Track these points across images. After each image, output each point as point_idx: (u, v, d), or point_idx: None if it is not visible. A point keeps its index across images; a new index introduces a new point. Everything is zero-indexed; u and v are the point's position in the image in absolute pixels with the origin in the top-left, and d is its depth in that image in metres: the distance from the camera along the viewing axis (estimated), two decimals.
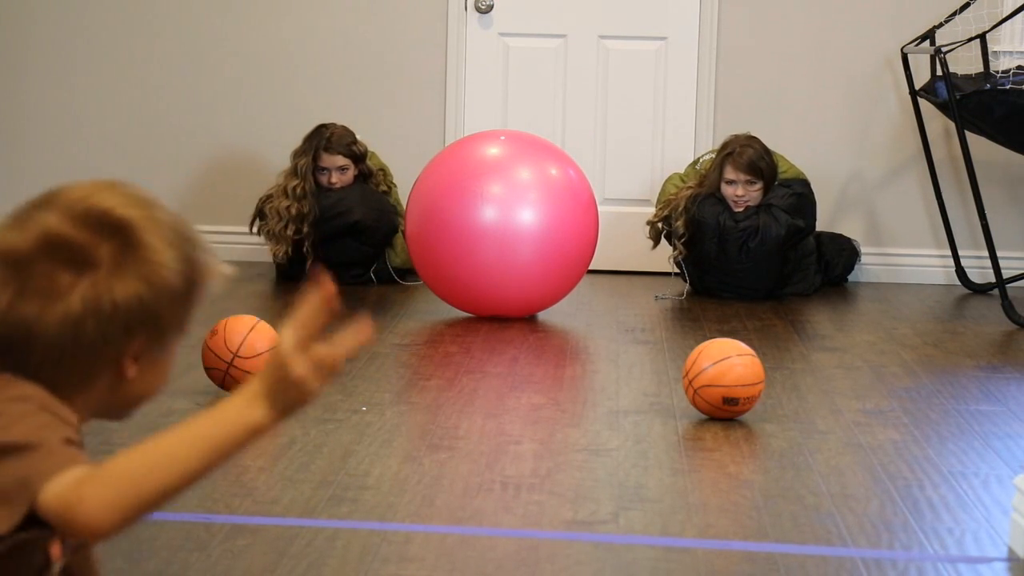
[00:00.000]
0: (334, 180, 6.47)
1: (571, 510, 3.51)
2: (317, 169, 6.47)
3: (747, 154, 6.17)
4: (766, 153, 6.24)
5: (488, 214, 5.63)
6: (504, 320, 5.79)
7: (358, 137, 6.60)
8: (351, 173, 6.51)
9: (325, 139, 6.45)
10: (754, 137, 6.31)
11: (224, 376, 4.46)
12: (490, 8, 7.03)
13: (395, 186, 6.65)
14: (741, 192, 6.19)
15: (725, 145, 6.31)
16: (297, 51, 7.08)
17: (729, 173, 6.20)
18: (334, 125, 6.53)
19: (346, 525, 3.35)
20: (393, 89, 7.08)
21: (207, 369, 4.49)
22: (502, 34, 7.06)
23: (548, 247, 5.67)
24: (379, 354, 5.21)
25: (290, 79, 7.10)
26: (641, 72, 7.04)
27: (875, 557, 3.25)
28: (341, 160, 6.47)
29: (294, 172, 6.45)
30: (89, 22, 7.12)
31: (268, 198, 6.53)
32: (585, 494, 3.63)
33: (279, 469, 3.79)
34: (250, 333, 4.47)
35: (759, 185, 6.21)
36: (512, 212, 5.64)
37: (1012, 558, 3.26)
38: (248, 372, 4.44)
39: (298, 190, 6.39)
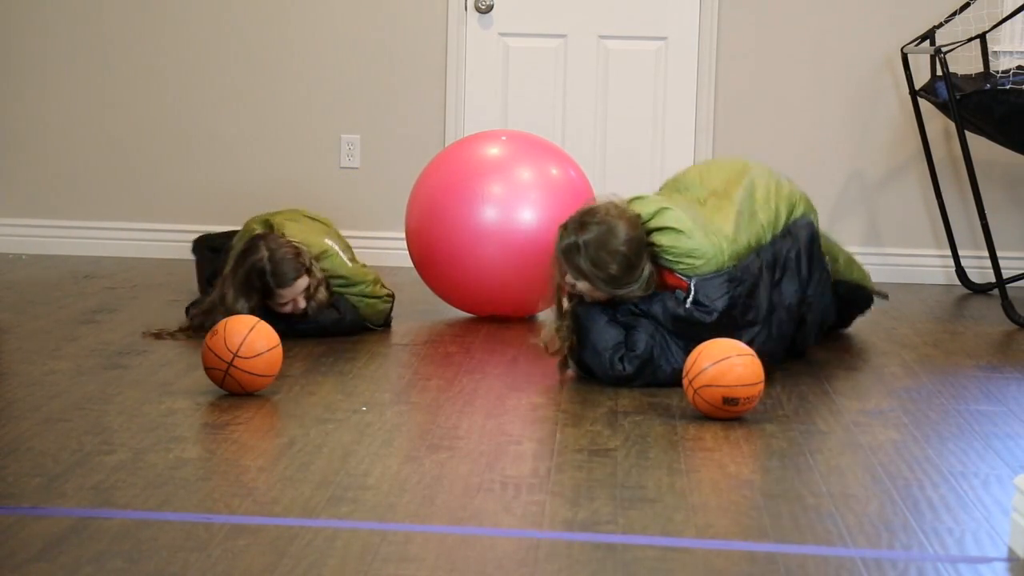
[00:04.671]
0: (301, 305, 5.29)
1: (571, 510, 3.51)
2: (276, 306, 5.27)
3: (564, 244, 4.79)
4: (596, 251, 4.71)
5: (488, 214, 5.63)
6: (504, 320, 5.79)
7: (281, 227, 5.46)
8: (312, 287, 5.32)
9: (271, 275, 5.21)
10: (599, 217, 4.77)
11: (224, 376, 4.46)
12: (490, 8, 7.03)
13: (328, 257, 5.46)
14: (569, 280, 4.82)
15: (575, 213, 4.89)
16: (298, 51, 7.08)
17: (559, 260, 4.85)
18: (263, 247, 5.26)
19: (346, 525, 3.35)
20: (393, 89, 7.08)
21: (207, 369, 4.49)
22: (502, 34, 7.06)
23: (548, 247, 5.66)
24: (379, 354, 5.21)
25: (291, 79, 7.10)
26: (641, 72, 7.05)
27: (875, 557, 3.25)
28: (301, 284, 5.26)
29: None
30: (93, 27, 7.12)
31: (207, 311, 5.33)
32: (585, 494, 3.63)
33: (279, 469, 3.79)
34: (250, 333, 4.47)
35: (585, 283, 4.77)
36: (512, 212, 5.64)
37: (1012, 558, 3.26)
38: (248, 372, 4.44)
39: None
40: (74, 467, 3.72)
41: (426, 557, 3.18)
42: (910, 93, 6.66)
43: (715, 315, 4.74)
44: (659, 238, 4.79)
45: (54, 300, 6.01)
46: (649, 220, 4.81)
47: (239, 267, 5.27)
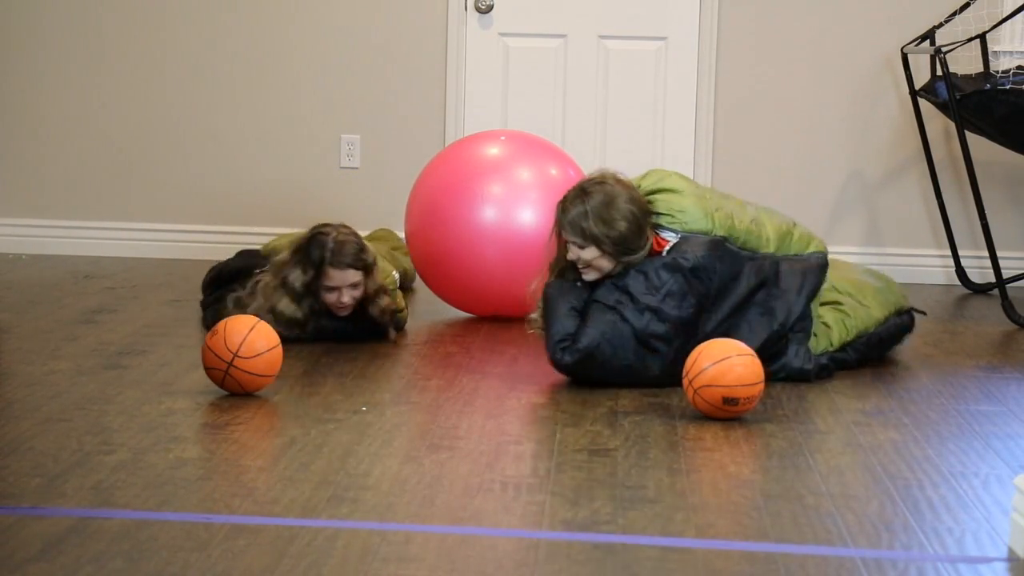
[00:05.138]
0: (345, 300, 5.19)
1: (571, 510, 3.51)
2: (322, 288, 5.20)
3: (571, 212, 4.76)
4: (604, 209, 4.73)
5: (488, 214, 5.63)
6: (504, 320, 5.79)
7: (363, 239, 5.35)
8: (361, 289, 5.23)
9: (329, 250, 5.16)
10: (599, 183, 4.81)
11: (224, 376, 4.45)
12: (490, 8, 7.03)
13: (392, 278, 5.47)
14: (575, 256, 4.79)
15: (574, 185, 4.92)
16: (298, 51, 7.08)
17: (561, 229, 4.84)
18: (335, 229, 5.23)
19: (346, 525, 3.35)
20: (393, 89, 7.08)
21: (207, 369, 4.49)
22: (502, 34, 7.06)
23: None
24: (379, 354, 5.21)
25: (291, 79, 7.10)
26: (641, 72, 7.05)
27: (875, 557, 3.25)
28: (353, 275, 5.19)
29: (292, 295, 5.19)
30: (92, 27, 7.12)
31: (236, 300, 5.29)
32: (585, 494, 3.63)
33: (279, 469, 3.79)
34: (250, 333, 4.47)
35: (593, 249, 4.75)
36: (512, 212, 5.64)
37: (1012, 558, 3.26)
38: (248, 372, 4.44)
39: (300, 315, 5.21)
40: (74, 467, 3.72)
41: (426, 557, 3.18)
42: (910, 93, 6.66)
43: (693, 262, 4.73)
44: (654, 197, 4.86)
45: (54, 300, 6.02)
46: (649, 185, 4.89)
47: (303, 238, 5.21)
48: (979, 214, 6.20)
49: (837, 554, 3.26)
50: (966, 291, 6.87)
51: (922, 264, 7.06)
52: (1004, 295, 6.13)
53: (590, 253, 4.76)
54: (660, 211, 4.84)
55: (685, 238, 4.80)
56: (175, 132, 7.15)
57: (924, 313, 5.56)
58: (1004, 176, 6.94)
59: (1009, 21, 6.58)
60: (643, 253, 4.78)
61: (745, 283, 4.85)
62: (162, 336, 5.36)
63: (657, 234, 4.85)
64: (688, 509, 3.54)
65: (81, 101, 7.15)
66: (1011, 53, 6.81)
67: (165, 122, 7.14)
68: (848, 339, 5.04)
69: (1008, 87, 6.10)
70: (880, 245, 7.05)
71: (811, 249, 5.05)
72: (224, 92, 7.12)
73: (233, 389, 4.48)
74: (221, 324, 4.52)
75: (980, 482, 3.83)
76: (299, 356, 5.05)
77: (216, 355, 4.44)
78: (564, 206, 4.81)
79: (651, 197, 4.87)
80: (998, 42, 6.79)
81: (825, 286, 5.05)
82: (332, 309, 5.25)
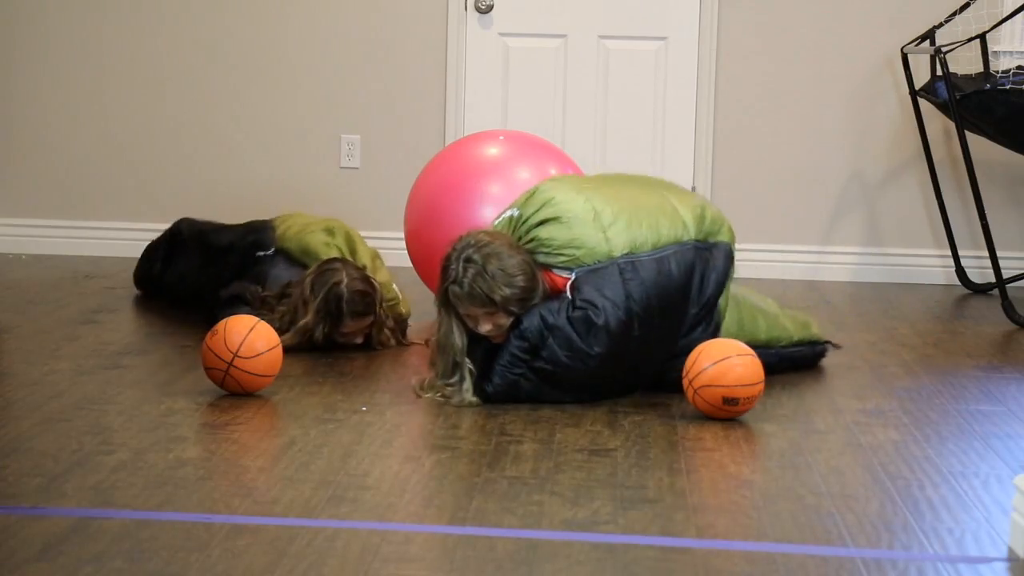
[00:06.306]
0: (357, 340, 5.26)
1: (571, 510, 3.51)
2: (336, 332, 5.21)
3: (467, 286, 4.42)
4: (501, 271, 4.41)
5: (488, 214, 5.62)
6: None
7: (367, 265, 5.40)
8: (369, 326, 5.29)
9: (346, 302, 5.15)
10: (477, 247, 4.47)
11: (224, 376, 4.46)
12: (490, 8, 7.03)
13: (393, 291, 5.48)
14: (488, 327, 4.47)
15: (447, 259, 4.53)
16: (297, 51, 7.08)
17: (460, 308, 4.49)
18: (343, 273, 5.20)
19: (346, 525, 3.35)
20: (393, 89, 7.08)
21: (207, 369, 4.49)
22: (502, 34, 7.06)
23: None
24: (379, 354, 5.20)
25: (291, 79, 7.09)
26: (641, 72, 7.05)
27: (875, 557, 3.25)
28: (367, 320, 5.24)
29: (318, 342, 5.18)
30: (93, 27, 7.12)
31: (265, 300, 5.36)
32: (585, 494, 3.63)
33: (279, 469, 3.79)
34: (250, 333, 4.47)
35: (503, 314, 4.44)
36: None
37: (1012, 558, 3.26)
38: (248, 372, 4.44)
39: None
40: (74, 467, 3.72)
41: (426, 557, 3.18)
42: (910, 93, 6.66)
43: (606, 313, 4.42)
44: (538, 232, 4.54)
45: (54, 300, 6.01)
46: (532, 216, 4.59)
47: (316, 288, 5.15)
48: (979, 214, 6.20)
49: (837, 554, 3.26)
50: (966, 291, 6.87)
51: (922, 264, 7.06)
52: (1004, 295, 6.13)
53: (502, 318, 4.45)
54: (550, 250, 4.52)
55: (585, 279, 4.47)
56: (175, 132, 7.15)
57: (839, 347, 5.30)
58: (1004, 176, 6.94)
59: (1009, 21, 6.59)
60: (540, 298, 4.48)
61: (677, 278, 4.55)
62: (162, 336, 5.36)
63: (551, 272, 4.52)
64: (688, 509, 3.54)
65: (81, 101, 7.15)
66: (1011, 53, 6.81)
67: (165, 122, 7.14)
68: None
69: (1008, 87, 6.10)
70: (880, 245, 7.05)
71: (720, 237, 4.71)
72: (224, 92, 7.12)
73: (233, 389, 4.48)
74: (221, 324, 4.52)
75: (980, 482, 3.83)
76: (299, 356, 5.05)
77: (216, 355, 4.45)
78: (457, 280, 4.43)
79: (536, 232, 4.54)
80: (998, 42, 6.79)
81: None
82: (343, 342, 5.24)
